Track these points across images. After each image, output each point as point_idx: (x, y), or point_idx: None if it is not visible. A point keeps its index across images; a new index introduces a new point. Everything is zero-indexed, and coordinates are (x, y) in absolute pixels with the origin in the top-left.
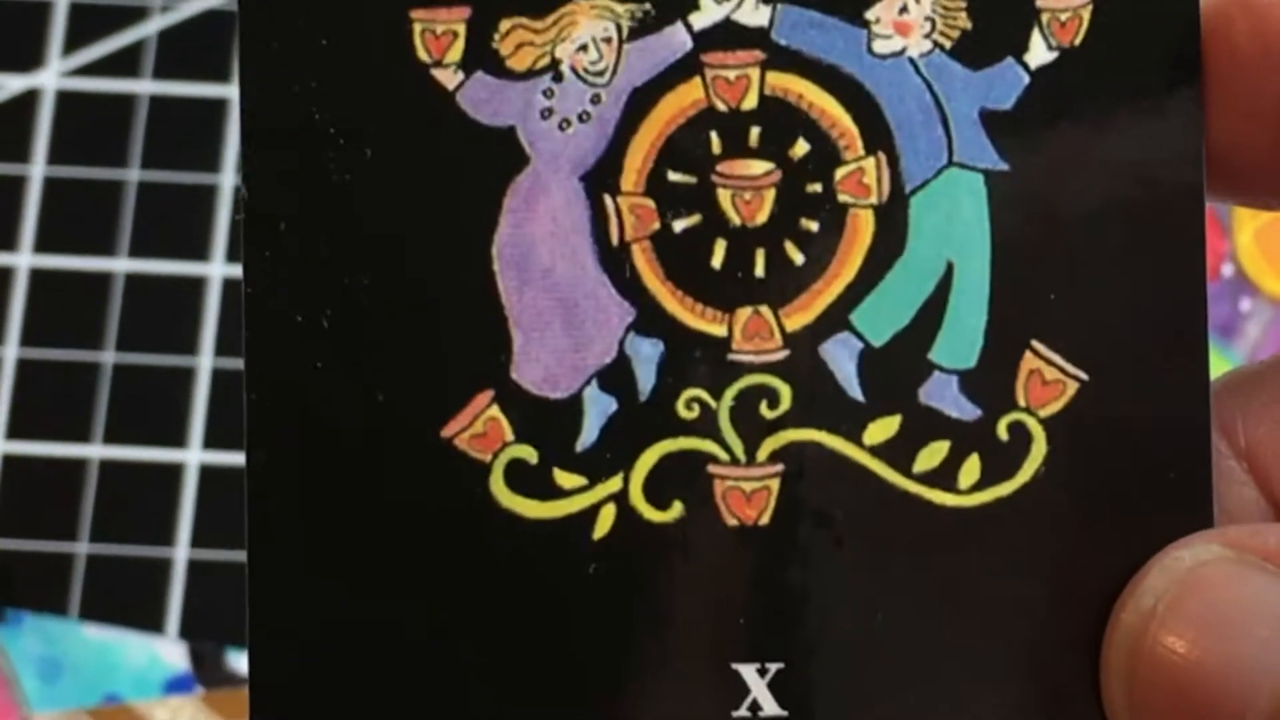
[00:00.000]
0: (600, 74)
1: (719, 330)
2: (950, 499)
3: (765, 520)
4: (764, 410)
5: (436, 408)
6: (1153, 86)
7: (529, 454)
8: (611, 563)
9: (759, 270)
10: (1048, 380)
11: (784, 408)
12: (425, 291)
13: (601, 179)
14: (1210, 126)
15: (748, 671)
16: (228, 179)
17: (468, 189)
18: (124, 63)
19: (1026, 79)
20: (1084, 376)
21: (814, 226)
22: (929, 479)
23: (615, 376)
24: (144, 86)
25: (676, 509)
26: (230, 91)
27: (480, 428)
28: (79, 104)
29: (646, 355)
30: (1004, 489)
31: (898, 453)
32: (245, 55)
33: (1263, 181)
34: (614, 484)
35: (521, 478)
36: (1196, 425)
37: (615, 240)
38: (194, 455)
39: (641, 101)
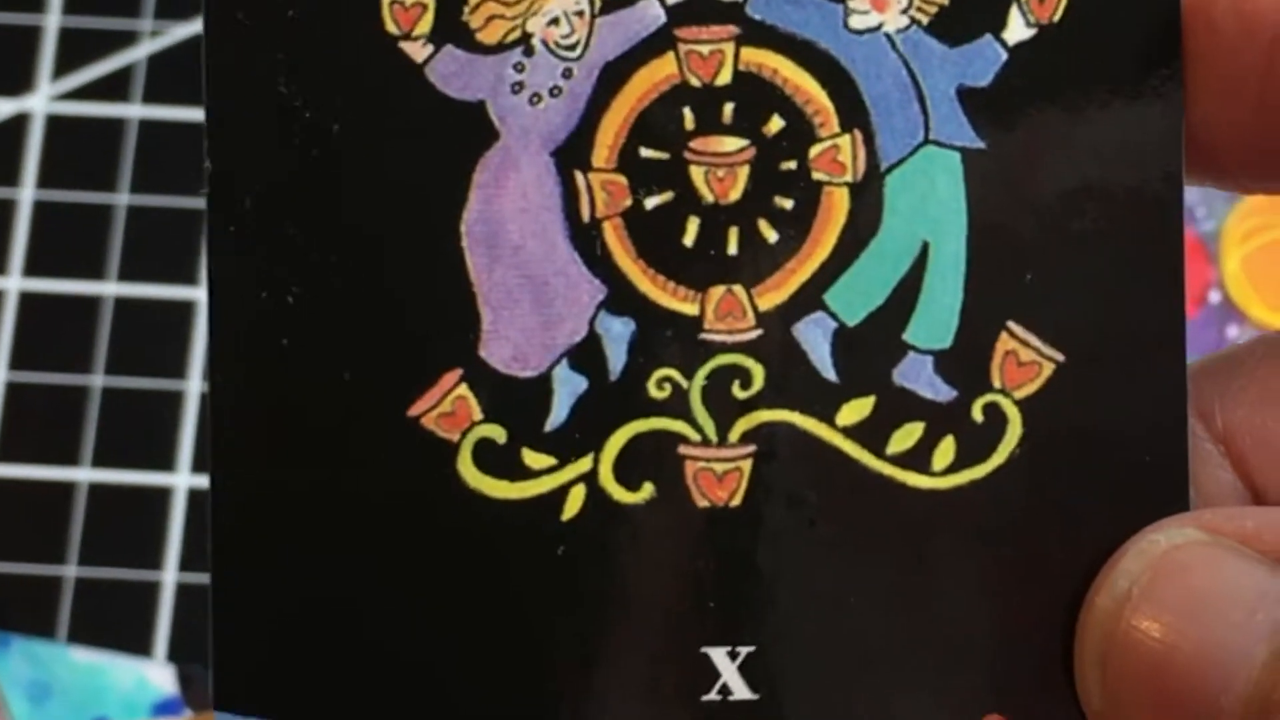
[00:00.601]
0: (572, 48)
1: (691, 309)
2: (924, 481)
3: (737, 502)
4: (736, 390)
5: (404, 386)
6: (1132, 64)
7: (497, 433)
8: (580, 544)
9: (732, 248)
10: (1023, 361)
11: (756, 388)
12: (393, 268)
13: (573, 155)
14: (1190, 106)
15: (718, 655)
16: None
17: (437, 164)
18: (113, 87)
19: (1004, 56)
20: (1060, 358)
21: (788, 204)
22: (903, 460)
23: (585, 355)
24: (133, 111)
25: (647, 490)
26: None
27: (448, 407)
28: (69, 128)
29: (617, 334)
30: (978, 471)
31: (871, 434)
32: (211, 26)
33: (1241, 162)
34: (583, 464)
35: (489, 457)
36: (1173, 408)
37: (586, 217)
38: (182, 479)
39: (614, 76)
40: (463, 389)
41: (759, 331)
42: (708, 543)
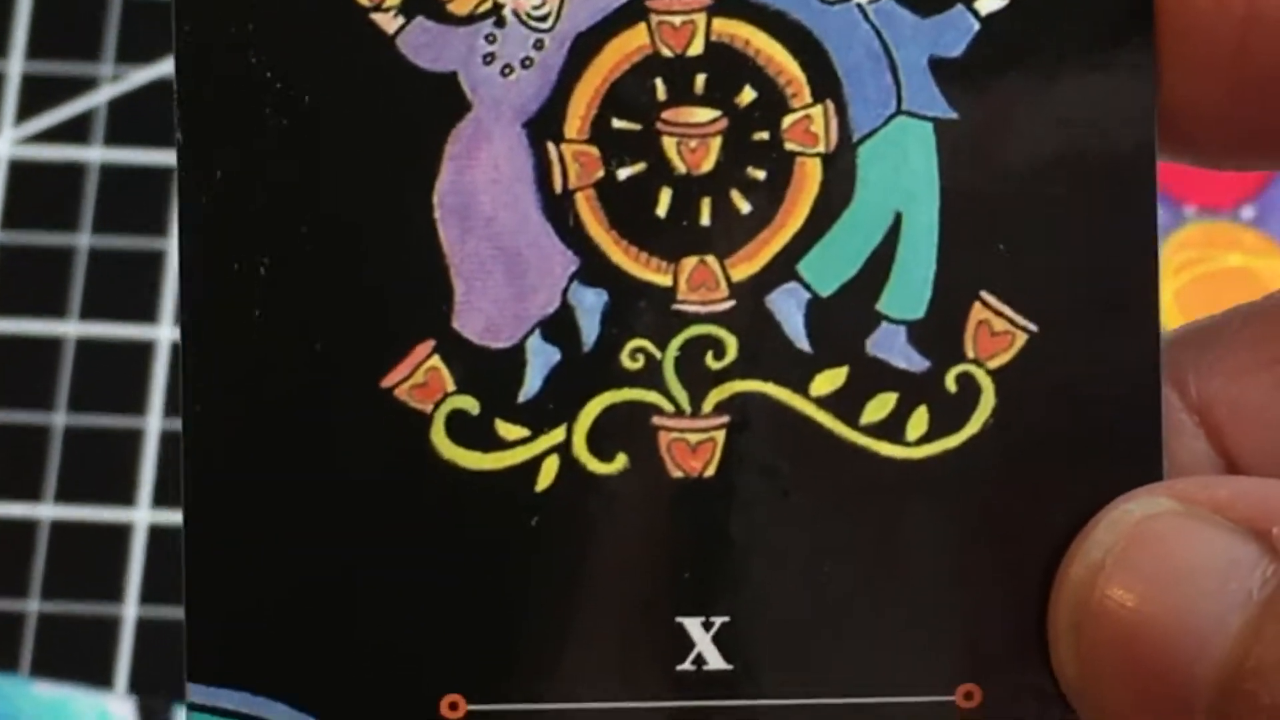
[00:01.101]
0: (543, 19)
1: (664, 280)
2: (898, 451)
3: (710, 472)
4: (710, 361)
5: (376, 358)
6: (1104, 35)
7: (470, 404)
8: (554, 515)
9: (704, 219)
10: (996, 331)
11: (730, 358)
12: (365, 240)
13: (545, 126)
14: (1162, 79)
15: (693, 625)
16: (175, 245)
17: (408, 136)
18: (75, 131)
19: (977, 26)
20: (1033, 328)
21: (760, 175)
22: (876, 431)
23: (558, 326)
24: (94, 154)
25: (620, 461)
26: None
27: (421, 378)
28: (30, 171)
29: (590, 305)
30: (951, 441)
31: (845, 404)
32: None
33: (1214, 137)
34: (557, 435)
35: (463, 428)
36: (1147, 377)
37: (558, 188)
38: (143, 514)
39: (585, 47)
40: (435, 360)
41: (732, 302)
42: (682, 513)
